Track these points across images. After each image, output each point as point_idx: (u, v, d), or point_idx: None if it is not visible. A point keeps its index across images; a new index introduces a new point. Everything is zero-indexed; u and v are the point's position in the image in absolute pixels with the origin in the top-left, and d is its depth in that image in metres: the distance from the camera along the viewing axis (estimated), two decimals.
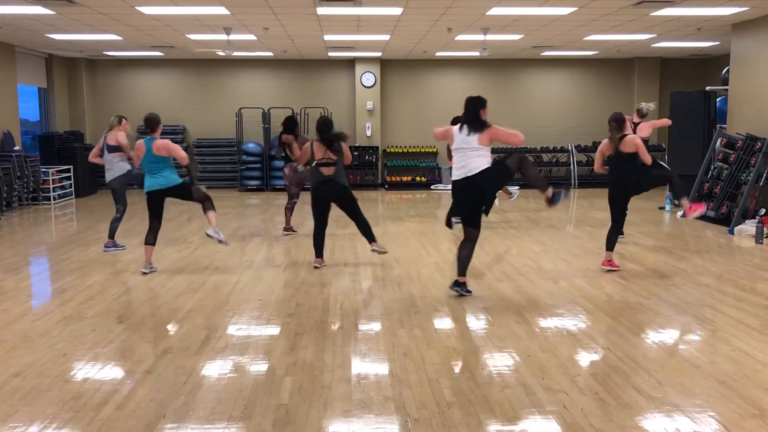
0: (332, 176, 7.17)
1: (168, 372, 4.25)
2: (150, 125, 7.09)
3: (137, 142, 7.02)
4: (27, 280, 7.12)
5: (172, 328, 5.22)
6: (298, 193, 9.26)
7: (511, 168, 6.02)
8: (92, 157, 8.60)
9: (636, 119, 8.82)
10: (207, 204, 7.10)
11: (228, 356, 4.56)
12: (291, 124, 9.14)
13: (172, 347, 4.74)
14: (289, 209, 9.36)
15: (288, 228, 9.43)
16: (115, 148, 8.19)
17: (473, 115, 5.95)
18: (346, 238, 9.13)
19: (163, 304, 5.91)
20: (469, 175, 5.85)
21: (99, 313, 5.60)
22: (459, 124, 6.02)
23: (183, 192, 7.13)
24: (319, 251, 7.35)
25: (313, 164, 7.20)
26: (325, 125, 7.28)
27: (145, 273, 7.01)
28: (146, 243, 7.10)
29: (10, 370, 4.29)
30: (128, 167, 8.19)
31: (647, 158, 6.85)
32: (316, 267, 7.29)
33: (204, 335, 5.00)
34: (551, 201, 6.21)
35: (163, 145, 6.90)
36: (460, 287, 6.07)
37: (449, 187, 16.59)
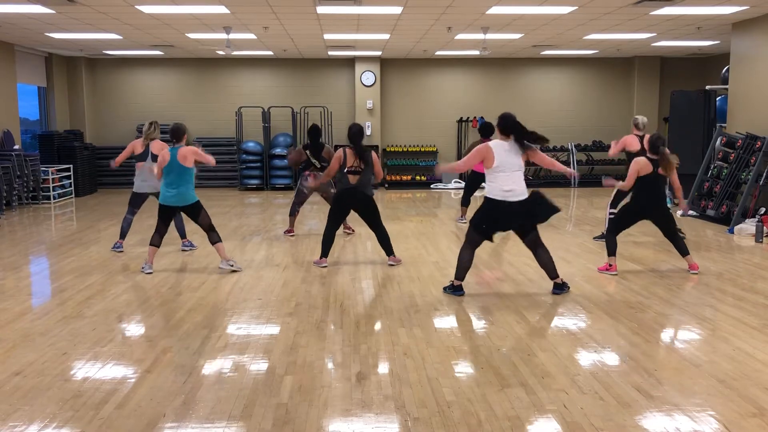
0: (358, 185, 7.16)
1: (168, 371, 4.25)
2: (175, 134, 6.96)
3: (162, 152, 6.93)
4: (27, 279, 7.12)
5: (172, 327, 5.22)
6: (305, 200, 9.30)
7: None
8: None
9: (638, 132, 8.43)
10: (214, 236, 7.04)
11: (228, 355, 4.56)
12: (318, 133, 9.20)
13: (172, 346, 4.74)
14: (296, 213, 9.35)
15: (291, 230, 9.42)
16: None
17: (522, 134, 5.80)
18: (345, 237, 9.13)
19: (162, 304, 5.91)
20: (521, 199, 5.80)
21: (99, 312, 5.60)
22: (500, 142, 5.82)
23: (194, 212, 7.05)
24: (325, 251, 7.35)
25: (344, 171, 7.16)
26: (359, 134, 7.24)
27: (144, 272, 7.02)
28: (151, 244, 7.09)
29: (10, 369, 4.29)
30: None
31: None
32: (321, 266, 7.30)
33: (204, 334, 5.01)
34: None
35: (190, 151, 6.86)
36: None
37: (449, 186, 16.56)
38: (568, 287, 6.23)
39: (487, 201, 5.87)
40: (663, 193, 6.86)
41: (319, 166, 8.91)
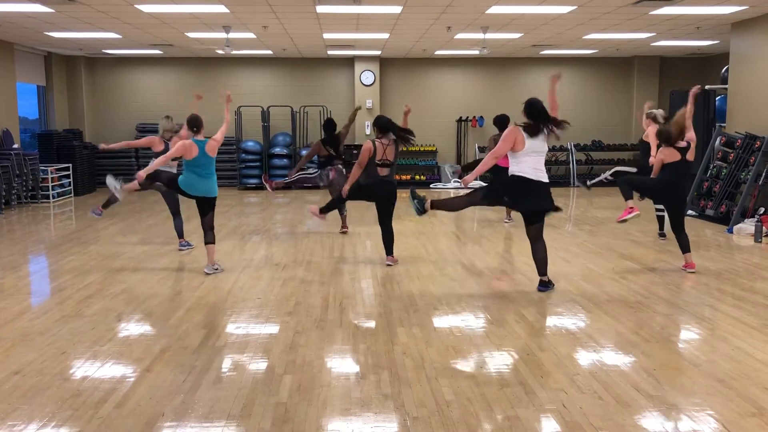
0: (389, 177, 7.23)
1: (167, 370, 4.25)
2: (196, 125, 6.99)
3: (185, 142, 6.88)
4: (26, 278, 7.11)
5: (171, 326, 5.21)
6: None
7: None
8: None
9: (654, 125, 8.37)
10: (210, 236, 7.00)
11: (227, 354, 4.56)
12: (334, 127, 9.23)
13: (171, 346, 4.74)
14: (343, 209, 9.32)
15: (345, 227, 9.40)
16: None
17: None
18: (345, 236, 9.12)
19: (162, 303, 5.91)
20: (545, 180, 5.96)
21: (98, 312, 5.60)
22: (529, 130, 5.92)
23: (208, 206, 7.01)
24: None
25: (375, 162, 7.17)
26: (388, 125, 7.23)
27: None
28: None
29: (9, 368, 4.29)
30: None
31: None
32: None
33: (203, 334, 5.00)
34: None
35: (216, 144, 6.96)
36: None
37: (448, 186, 16.50)
38: (553, 285, 6.26)
39: (518, 178, 5.94)
40: (688, 179, 6.96)
41: (341, 159, 8.96)
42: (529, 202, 6.04)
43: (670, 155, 6.94)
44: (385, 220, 7.35)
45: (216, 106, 16.34)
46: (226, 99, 7.25)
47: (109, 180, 7.56)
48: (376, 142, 7.15)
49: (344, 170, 8.81)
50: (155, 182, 7.41)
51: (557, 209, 6.11)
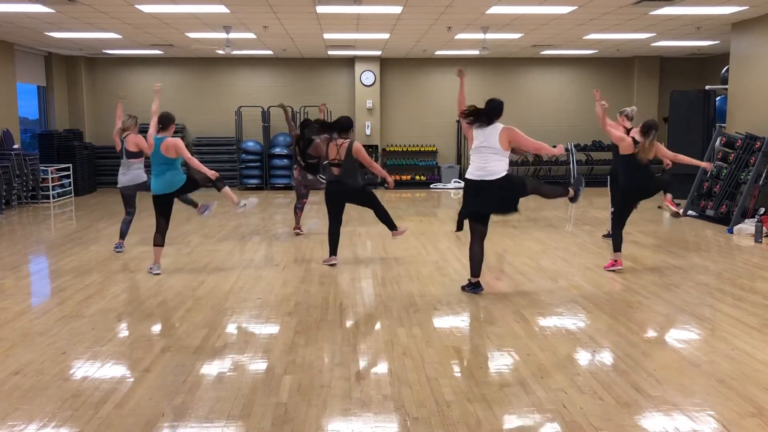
0: (341, 176, 7.24)
1: (167, 370, 4.25)
2: (163, 122, 6.89)
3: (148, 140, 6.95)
4: (26, 278, 7.12)
5: (171, 326, 5.22)
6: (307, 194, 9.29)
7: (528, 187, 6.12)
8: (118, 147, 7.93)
9: (627, 124, 8.23)
10: (219, 184, 6.97)
11: (227, 355, 4.56)
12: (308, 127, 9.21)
13: (171, 346, 4.74)
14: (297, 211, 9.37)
15: (298, 227, 9.40)
16: (135, 154, 7.94)
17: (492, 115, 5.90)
18: (345, 235, 9.12)
19: (162, 303, 5.91)
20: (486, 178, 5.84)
21: (98, 312, 5.60)
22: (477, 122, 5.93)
23: (190, 186, 7.00)
24: (332, 248, 7.40)
25: (324, 163, 7.30)
26: (337, 125, 7.33)
27: (152, 273, 6.96)
28: (155, 244, 7.00)
29: (9, 369, 4.29)
30: (145, 178, 7.92)
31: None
32: (330, 263, 7.34)
33: (203, 334, 5.00)
34: (574, 199, 6.35)
35: (173, 144, 6.80)
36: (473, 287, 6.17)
37: (449, 186, 16.54)
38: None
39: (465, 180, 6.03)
40: (648, 170, 6.89)
41: (300, 159, 8.82)
42: (470, 202, 6.03)
43: (627, 146, 6.78)
44: (371, 206, 7.40)
45: (215, 106, 16.46)
46: (155, 91, 7.16)
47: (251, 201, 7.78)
48: (328, 142, 7.25)
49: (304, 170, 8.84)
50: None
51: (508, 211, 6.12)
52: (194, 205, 8.04)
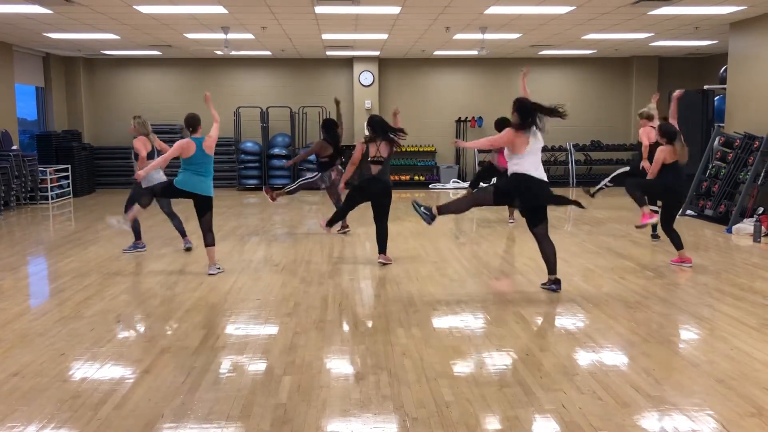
0: (380, 175, 7.31)
1: (166, 371, 4.25)
2: (190, 124, 7.04)
3: (182, 141, 6.90)
4: (25, 279, 7.11)
5: (170, 327, 5.21)
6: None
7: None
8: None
9: (654, 124, 8.38)
10: (210, 238, 6.94)
11: (226, 355, 4.56)
12: (334, 125, 9.41)
13: (171, 347, 4.73)
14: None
15: (344, 225, 9.35)
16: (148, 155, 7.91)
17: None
18: (345, 237, 9.12)
19: (161, 304, 5.91)
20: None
21: (97, 313, 5.59)
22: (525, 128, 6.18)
23: (205, 206, 6.93)
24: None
25: (367, 160, 7.34)
26: (380, 123, 7.57)
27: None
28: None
29: (8, 370, 4.28)
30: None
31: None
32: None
33: (202, 334, 5.00)
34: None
35: (212, 142, 7.04)
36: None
37: (447, 186, 16.50)
38: (559, 288, 6.22)
39: (522, 176, 6.05)
40: (681, 168, 7.12)
41: (341, 158, 9.07)
42: (532, 197, 6.09)
43: (670, 154, 6.96)
44: (381, 218, 7.37)
45: (214, 106, 16.38)
46: (205, 99, 7.31)
47: (110, 221, 7.40)
48: (368, 141, 7.33)
49: (343, 170, 8.85)
50: (153, 196, 7.31)
51: (573, 203, 6.26)
52: (183, 233, 8.20)
